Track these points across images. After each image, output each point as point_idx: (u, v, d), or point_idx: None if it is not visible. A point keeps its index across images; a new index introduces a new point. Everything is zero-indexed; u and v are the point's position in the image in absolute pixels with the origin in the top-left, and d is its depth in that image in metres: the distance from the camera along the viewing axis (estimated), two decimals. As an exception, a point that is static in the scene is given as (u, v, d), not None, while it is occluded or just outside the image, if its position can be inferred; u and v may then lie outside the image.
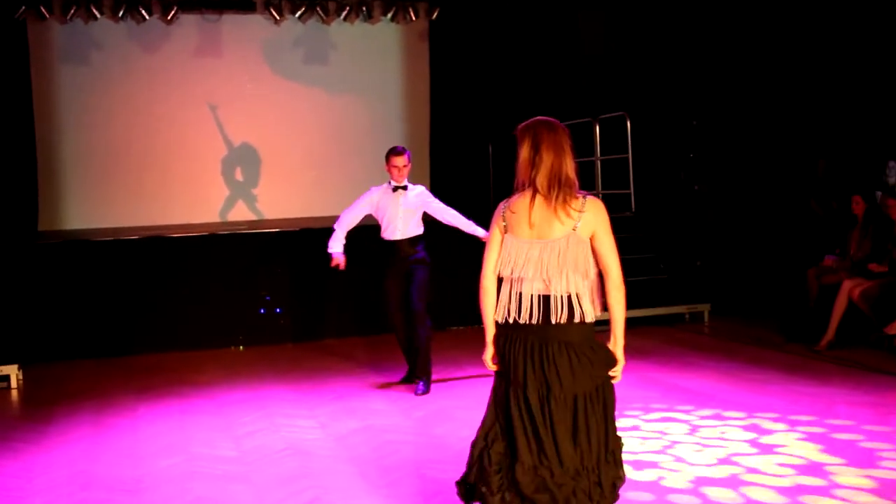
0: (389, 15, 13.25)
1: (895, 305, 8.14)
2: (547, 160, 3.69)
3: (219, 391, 7.90)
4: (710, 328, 10.14)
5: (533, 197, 3.70)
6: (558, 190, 3.67)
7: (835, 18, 10.96)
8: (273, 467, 5.72)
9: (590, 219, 3.68)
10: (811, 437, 5.86)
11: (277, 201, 13.13)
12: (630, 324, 10.13)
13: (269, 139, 13.24)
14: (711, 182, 11.14)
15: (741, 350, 8.71)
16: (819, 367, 7.94)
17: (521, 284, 3.70)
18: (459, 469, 4.10)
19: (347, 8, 13.04)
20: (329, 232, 10.65)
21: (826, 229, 10.59)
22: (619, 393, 3.88)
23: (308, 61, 13.38)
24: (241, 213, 12.91)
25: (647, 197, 11.46)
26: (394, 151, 7.64)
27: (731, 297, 10.76)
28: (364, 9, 13.14)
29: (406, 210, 7.55)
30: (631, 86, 12.04)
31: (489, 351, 3.88)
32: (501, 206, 3.83)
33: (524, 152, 3.75)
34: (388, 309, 7.59)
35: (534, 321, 3.67)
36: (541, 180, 3.69)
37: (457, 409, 6.91)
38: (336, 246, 7.70)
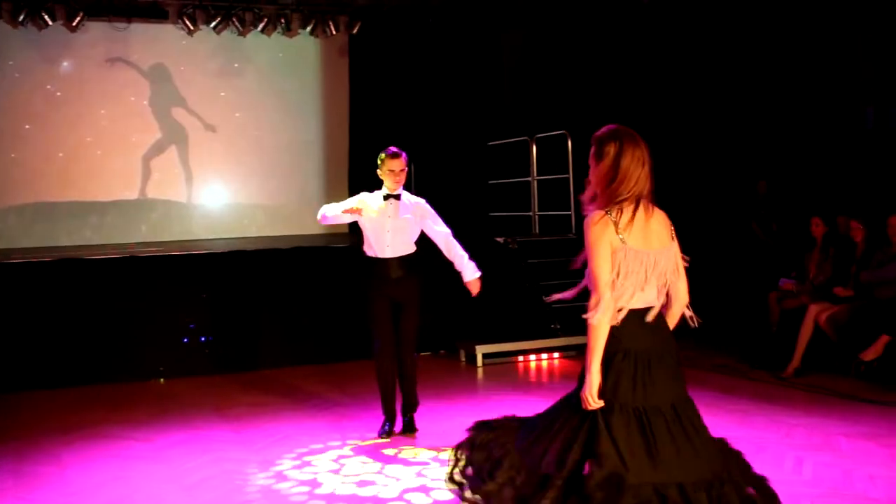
0: (308, 28, 12.63)
1: (866, 330, 7.89)
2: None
3: (151, 431, 7.08)
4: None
5: (646, 208, 3.62)
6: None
7: (774, 35, 10.83)
8: (242, 524, 5.01)
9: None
10: (834, 475, 5.46)
11: (194, 220, 12.32)
12: (581, 351, 9.77)
13: (182, 156, 12.48)
14: (654, 203, 10.76)
15: (707, 378, 8.32)
16: (794, 395, 7.61)
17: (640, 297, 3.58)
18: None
19: (265, 19, 12.38)
20: (254, 255, 10.01)
21: (771, 252, 10.39)
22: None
23: (223, 75, 12.70)
24: (156, 234, 12.06)
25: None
26: (391, 155, 6.59)
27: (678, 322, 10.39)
28: (282, 21, 12.50)
29: (397, 223, 6.65)
30: (571, 104, 11.66)
31: (597, 383, 3.52)
32: (597, 216, 3.57)
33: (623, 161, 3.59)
34: (376, 341, 6.60)
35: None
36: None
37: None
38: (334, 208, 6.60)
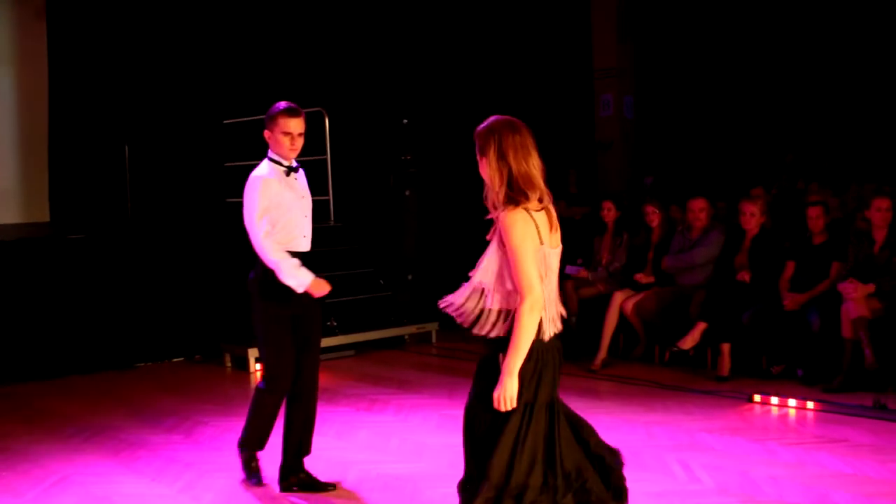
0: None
1: (677, 316, 7.65)
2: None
3: None
4: (441, 350, 9.13)
5: (548, 204, 3.45)
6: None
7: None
8: None
9: None
10: (735, 480, 5.01)
11: None
12: (359, 349, 8.90)
13: None
14: (424, 187, 10.07)
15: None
16: (621, 390, 7.18)
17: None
18: None
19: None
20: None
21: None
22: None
23: None
24: None
25: (350, 205, 10.18)
26: (288, 111, 4.89)
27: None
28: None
29: (307, 203, 5.06)
30: (328, 79, 10.66)
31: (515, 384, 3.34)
32: (520, 215, 3.34)
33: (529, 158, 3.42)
34: (278, 373, 4.90)
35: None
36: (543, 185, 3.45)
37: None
38: (304, 274, 4.82)
